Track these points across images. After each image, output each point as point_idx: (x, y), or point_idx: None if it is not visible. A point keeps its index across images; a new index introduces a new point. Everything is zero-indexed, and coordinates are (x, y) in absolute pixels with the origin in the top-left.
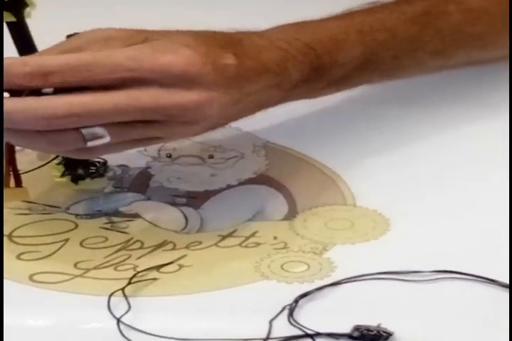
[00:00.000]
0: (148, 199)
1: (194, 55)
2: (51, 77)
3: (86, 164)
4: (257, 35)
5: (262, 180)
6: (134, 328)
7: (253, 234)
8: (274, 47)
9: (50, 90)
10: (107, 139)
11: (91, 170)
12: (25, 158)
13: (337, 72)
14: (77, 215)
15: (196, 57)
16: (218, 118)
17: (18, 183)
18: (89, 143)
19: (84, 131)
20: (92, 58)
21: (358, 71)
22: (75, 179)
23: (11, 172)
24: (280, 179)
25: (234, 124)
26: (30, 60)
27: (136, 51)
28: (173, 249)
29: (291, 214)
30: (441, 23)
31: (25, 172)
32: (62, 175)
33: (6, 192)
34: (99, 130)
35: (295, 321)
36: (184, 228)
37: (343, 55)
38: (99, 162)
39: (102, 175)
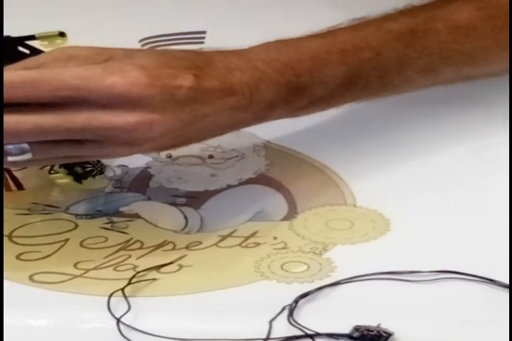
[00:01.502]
0: (149, 199)
1: (141, 76)
2: None
3: (81, 162)
4: (237, 54)
5: (262, 180)
6: (134, 328)
7: (253, 234)
8: (251, 67)
9: None
10: (28, 156)
11: (88, 168)
12: None
13: (319, 92)
14: (77, 215)
15: (143, 79)
16: (167, 140)
17: (19, 186)
18: (10, 159)
19: (7, 147)
20: (37, 75)
21: (341, 90)
22: (78, 178)
23: (8, 176)
24: (280, 179)
25: None
26: None
27: (86, 71)
28: (173, 249)
29: (291, 214)
30: (428, 40)
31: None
32: (54, 172)
33: (9, 195)
34: (23, 146)
35: (295, 321)
36: (184, 228)
37: (325, 75)
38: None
39: (101, 172)
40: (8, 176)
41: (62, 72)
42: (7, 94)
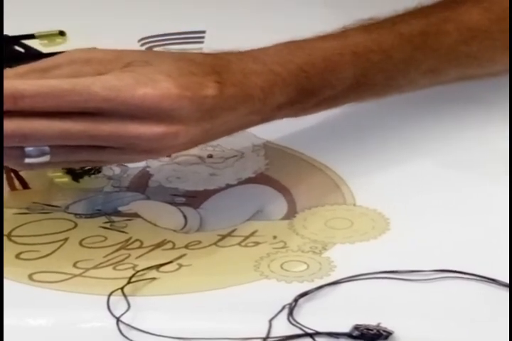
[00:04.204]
0: (148, 198)
1: (172, 87)
2: (21, 101)
3: None
4: (252, 57)
5: (261, 179)
6: (134, 327)
7: (253, 234)
8: (266, 70)
9: None
10: (46, 158)
11: (86, 167)
12: None
13: (326, 93)
14: (76, 214)
15: (174, 90)
16: (185, 147)
17: (25, 186)
18: (27, 160)
19: (27, 148)
20: (69, 86)
21: (347, 91)
22: (76, 177)
23: (14, 176)
24: (280, 178)
25: None
26: (6, 84)
27: (119, 82)
28: (173, 248)
29: (291, 213)
30: (437, 43)
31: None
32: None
33: (14, 194)
34: (43, 149)
35: (295, 320)
36: (183, 227)
37: (336, 77)
38: None
39: (99, 172)
40: (13, 175)
41: (93, 82)
42: (36, 104)
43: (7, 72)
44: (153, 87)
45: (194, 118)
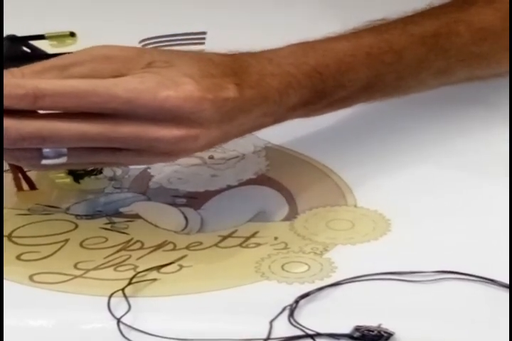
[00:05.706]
0: (149, 199)
1: (195, 90)
2: (41, 100)
3: None
4: (267, 59)
5: (262, 180)
6: (135, 328)
7: (253, 235)
8: (282, 72)
9: None
10: (63, 160)
11: (89, 168)
12: None
13: (338, 94)
14: (77, 216)
15: (196, 93)
16: (200, 149)
17: (32, 186)
18: (44, 162)
19: (45, 150)
20: (90, 87)
21: (359, 92)
22: (77, 178)
23: (21, 177)
24: (281, 180)
25: None
26: (28, 83)
27: (141, 84)
28: (174, 249)
29: (292, 214)
30: (449, 44)
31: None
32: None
33: (20, 195)
34: (61, 150)
35: (295, 321)
36: (184, 228)
37: (348, 78)
38: None
39: (100, 172)
40: (21, 176)
41: (115, 84)
42: (55, 103)
43: (23, 69)
44: (175, 89)
45: (214, 120)
